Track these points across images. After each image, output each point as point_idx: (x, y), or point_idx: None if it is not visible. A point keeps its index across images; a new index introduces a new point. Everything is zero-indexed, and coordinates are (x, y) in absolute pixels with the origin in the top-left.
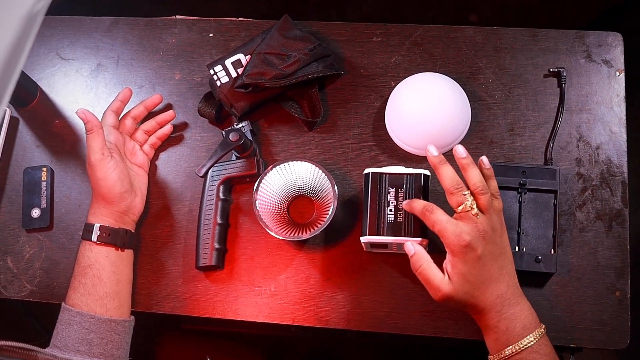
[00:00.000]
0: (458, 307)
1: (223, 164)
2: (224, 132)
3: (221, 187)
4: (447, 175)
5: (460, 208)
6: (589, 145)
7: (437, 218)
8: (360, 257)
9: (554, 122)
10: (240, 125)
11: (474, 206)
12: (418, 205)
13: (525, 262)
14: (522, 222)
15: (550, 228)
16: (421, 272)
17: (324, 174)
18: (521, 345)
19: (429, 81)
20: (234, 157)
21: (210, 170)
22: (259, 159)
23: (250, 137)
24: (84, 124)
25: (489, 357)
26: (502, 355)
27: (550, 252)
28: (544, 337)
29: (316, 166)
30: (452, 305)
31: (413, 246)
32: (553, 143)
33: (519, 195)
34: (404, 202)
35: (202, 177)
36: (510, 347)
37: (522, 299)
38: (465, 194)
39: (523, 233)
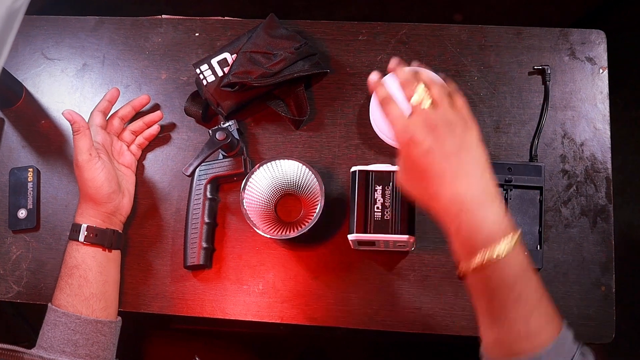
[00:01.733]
0: (417, 202)
1: (210, 163)
2: (210, 131)
3: (208, 186)
4: (401, 72)
5: (412, 101)
6: (574, 141)
7: (391, 110)
8: (347, 255)
9: (539, 119)
10: (226, 124)
11: (425, 99)
12: (381, 91)
13: None
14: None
15: (536, 224)
16: (387, 110)
17: (311, 172)
18: (487, 257)
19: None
20: (220, 156)
21: (197, 170)
22: (246, 157)
23: (236, 136)
24: (71, 124)
25: (459, 265)
26: (471, 265)
27: (536, 248)
28: (517, 245)
29: (303, 164)
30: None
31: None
32: (538, 140)
33: (504, 192)
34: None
35: (189, 176)
36: (477, 257)
37: (490, 202)
38: (416, 86)
39: None
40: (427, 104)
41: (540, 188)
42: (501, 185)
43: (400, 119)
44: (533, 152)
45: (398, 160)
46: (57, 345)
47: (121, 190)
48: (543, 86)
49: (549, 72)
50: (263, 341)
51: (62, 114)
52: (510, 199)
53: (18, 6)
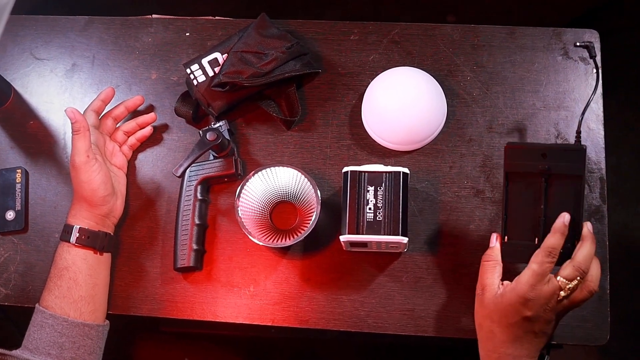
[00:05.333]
0: (478, 319)
1: (200, 163)
2: (201, 132)
3: (199, 188)
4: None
5: (560, 280)
6: (567, 142)
7: (543, 263)
8: (339, 257)
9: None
10: (217, 124)
11: (569, 291)
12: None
13: None
14: (545, 211)
15: (576, 217)
16: (483, 266)
17: (306, 179)
18: None
19: (402, 74)
20: (211, 157)
21: (187, 171)
22: (237, 158)
23: (227, 137)
24: (72, 123)
25: None
26: None
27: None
28: None
29: (299, 172)
30: (477, 311)
31: (495, 241)
32: (583, 115)
33: (540, 180)
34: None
35: (179, 177)
36: None
37: None
38: (583, 272)
39: (544, 224)
40: (564, 294)
41: (580, 176)
42: (536, 175)
43: (538, 277)
44: (577, 129)
45: (502, 294)
46: (42, 347)
47: (115, 192)
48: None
49: (593, 46)
50: (254, 344)
51: (65, 111)
52: (546, 188)
53: (4, 4)
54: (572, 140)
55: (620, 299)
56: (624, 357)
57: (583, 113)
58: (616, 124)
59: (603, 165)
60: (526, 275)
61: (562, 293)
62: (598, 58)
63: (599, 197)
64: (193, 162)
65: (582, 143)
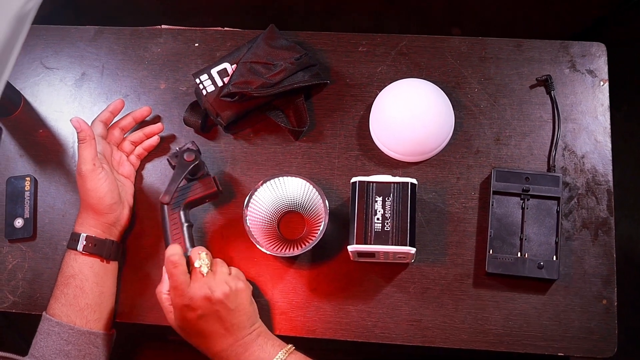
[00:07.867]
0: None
1: (180, 189)
2: (171, 157)
3: (181, 213)
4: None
5: (195, 264)
6: (575, 154)
7: (177, 274)
8: (347, 267)
9: (553, 129)
10: (186, 145)
11: (204, 266)
12: (169, 250)
13: (528, 268)
14: (525, 228)
15: (552, 235)
16: (172, 274)
17: (314, 189)
18: None
19: (410, 85)
20: (184, 182)
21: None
22: (214, 176)
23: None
24: (77, 132)
25: None
26: None
27: (553, 258)
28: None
29: (307, 182)
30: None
31: (172, 249)
32: (555, 150)
33: (521, 201)
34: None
35: (168, 204)
36: None
37: (251, 344)
38: (200, 253)
39: (525, 239)
40: (205, 269)
41: (557, 199)
42: (518, 195)
43: (184, 284)
44: (551, 163)
45: (174, 317)
46: (48, 355)
47: (121, 201)
48: (548, 96)
49: (551, 81)
50: None
51: (70, 121)
52: (527, 208)
53: (28, 9)
54: (579, 152)
55: (627, 311)
56: None
57: (553, 148)
58: (620, 136)
59: (610, 178)
60: (171, 292)
61: (205, 269)
62: (605, 70)
63: (607, 209)
64: (178, 185)
65: (589, 155)
